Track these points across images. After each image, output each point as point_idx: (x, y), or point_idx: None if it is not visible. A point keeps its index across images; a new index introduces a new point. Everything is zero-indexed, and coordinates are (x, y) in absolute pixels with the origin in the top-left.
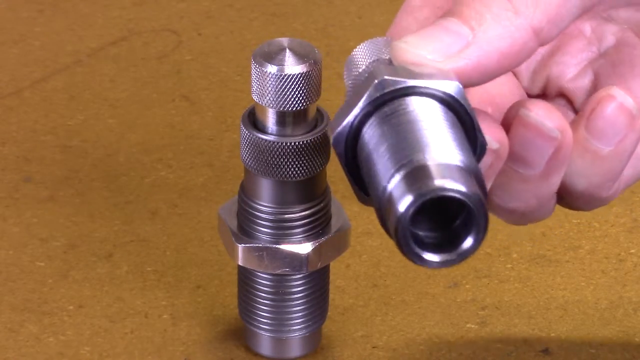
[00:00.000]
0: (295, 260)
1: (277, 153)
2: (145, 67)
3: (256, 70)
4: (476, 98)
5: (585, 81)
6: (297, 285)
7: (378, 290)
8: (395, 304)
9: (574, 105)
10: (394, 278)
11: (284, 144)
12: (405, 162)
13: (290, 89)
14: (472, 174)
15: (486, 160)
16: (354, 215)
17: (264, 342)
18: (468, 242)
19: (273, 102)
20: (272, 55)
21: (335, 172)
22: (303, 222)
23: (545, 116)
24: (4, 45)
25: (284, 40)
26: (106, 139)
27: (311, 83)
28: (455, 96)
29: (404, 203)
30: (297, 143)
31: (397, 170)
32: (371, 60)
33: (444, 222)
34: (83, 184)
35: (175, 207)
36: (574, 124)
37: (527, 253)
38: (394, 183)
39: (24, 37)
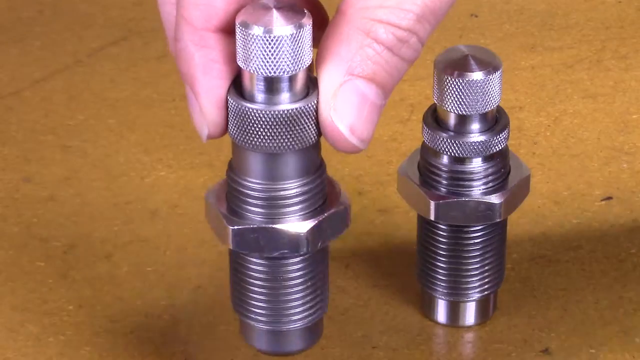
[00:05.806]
0: (293, 241)
1: (267, 123)
2: (145, 67)
3: (241, 33)
4: None
5: None
6: (296, 270)
7: (378, 290)
8: (395, 304)
9: None
10: (394, 278)
11: (274, 112)
12: None
13: (279, 52)
14: None
15: None
16: (354, 215)
17: (261, 336)
18: None
19: (260, 68)
20: (259, 17)
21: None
22: (299, 199)
23: None
24: (4, 45)
25: (270, 2)
26: (106, 139)
27: (301, 45)
28: None
29: None
30: (287, 111)
31: None
32: None
33: None
34: (83, 184)
35: (175, 207)
36: None
37: (527, 253)
38: None
39: (24, 37)
